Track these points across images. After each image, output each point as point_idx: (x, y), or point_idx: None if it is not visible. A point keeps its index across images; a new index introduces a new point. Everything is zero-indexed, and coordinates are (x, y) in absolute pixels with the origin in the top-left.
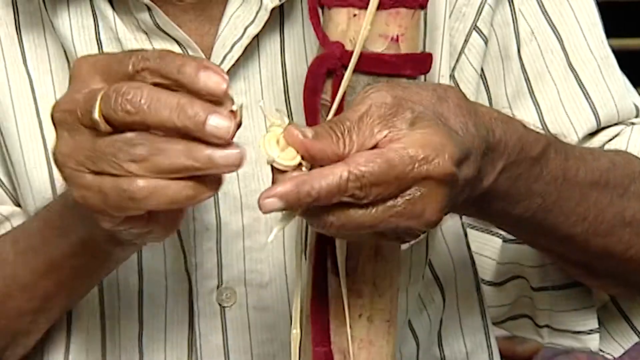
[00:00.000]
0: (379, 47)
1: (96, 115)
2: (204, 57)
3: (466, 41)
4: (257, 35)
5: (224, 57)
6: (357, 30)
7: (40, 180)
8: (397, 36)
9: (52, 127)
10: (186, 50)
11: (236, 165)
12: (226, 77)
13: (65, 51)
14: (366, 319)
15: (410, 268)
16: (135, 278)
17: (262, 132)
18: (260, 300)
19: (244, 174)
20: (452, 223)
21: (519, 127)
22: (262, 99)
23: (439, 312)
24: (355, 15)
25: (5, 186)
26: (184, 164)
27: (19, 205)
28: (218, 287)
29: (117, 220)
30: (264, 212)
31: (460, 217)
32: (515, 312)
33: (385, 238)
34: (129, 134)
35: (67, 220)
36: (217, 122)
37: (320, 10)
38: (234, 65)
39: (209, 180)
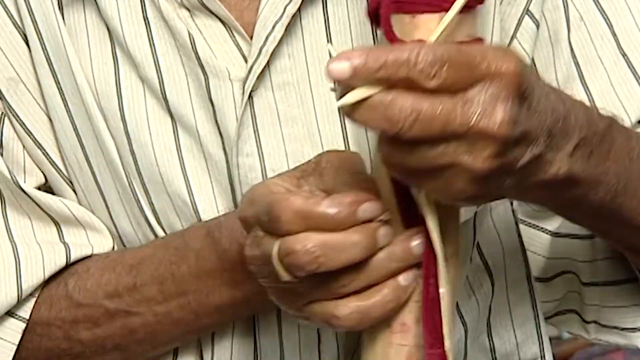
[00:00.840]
0: None
1: (284, 276)
2: (247, 36)
3: (518, 25)
4: (299, 12)
5: (267, 38)
6: (449, 35)
7: None
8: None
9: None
10: (229, 29)
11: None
12: None
13: (109, 32)
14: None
15: None
16: None
17: (308, 107)
18: None
19: (293, 151)
20: (502, 210)
21: (582, 103)
22: (309, 75)
23: (487, 299)
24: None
25: (56, 165)
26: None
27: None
28: None
29: None
30: (332, 78)
31: (511, 203)
32: (563, 307)
33: (455, 161)
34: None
35: (235, 277)
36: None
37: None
38: (277, 44)
39: None
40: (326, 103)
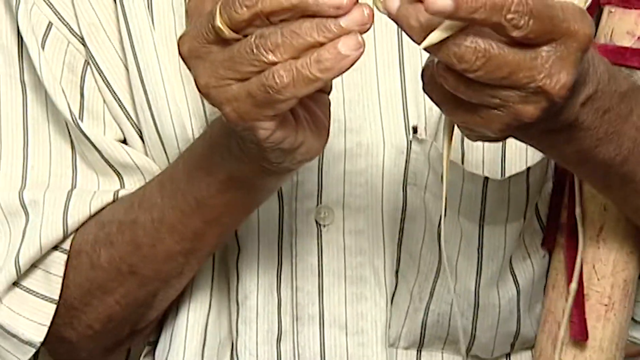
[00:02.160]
0: (625, 42)
1: (218, 22)
2: None
3: None
4: None
5: None
6: (610, 26)
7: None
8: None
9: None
10: None
11: (368, 23)
12: None
13: None
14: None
15: (508, 202)
16: None
17: (369, 54)
18: (356, 224)
19: (350, 98)
20: None
21: (605, 59)
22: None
23: (543, 266)
24: (611, 12)
25: (132, 119)
26: (317, 38)
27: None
28: (317, 206)
29: (273, 126)
30: (431, 10)
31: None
32: None
33: (505, 107)
34: (258, 30)
35: (213, 160)
36: None
37: None
38: None
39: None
40: (388, 54)
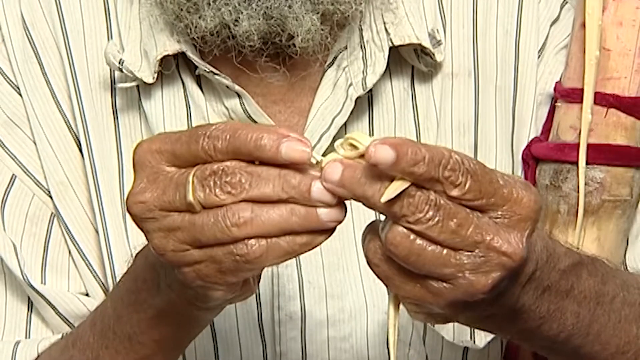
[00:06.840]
0: (568, 137)
1: (191, 198)
2: None
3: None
4: (345, 125)
5: (313, 148)
6: (557, 121)
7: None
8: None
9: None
10: None
11: (340, 220)
12: (307, 141)
13: None
14: None
15: None
16: None
17: (348, 219)
18: None
19: (329, 264)
20: None
21: (543, 235)
22: None
23: None
24: (558, 106)
25: (99, 278)
26: (289, 223)
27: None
28: None
29: (230, 288)
30: (372, 161)
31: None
32: None
33: (459, 285)
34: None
35: (140, 295)
36: (321, 189)
37: None
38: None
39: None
40: (364, 214)
